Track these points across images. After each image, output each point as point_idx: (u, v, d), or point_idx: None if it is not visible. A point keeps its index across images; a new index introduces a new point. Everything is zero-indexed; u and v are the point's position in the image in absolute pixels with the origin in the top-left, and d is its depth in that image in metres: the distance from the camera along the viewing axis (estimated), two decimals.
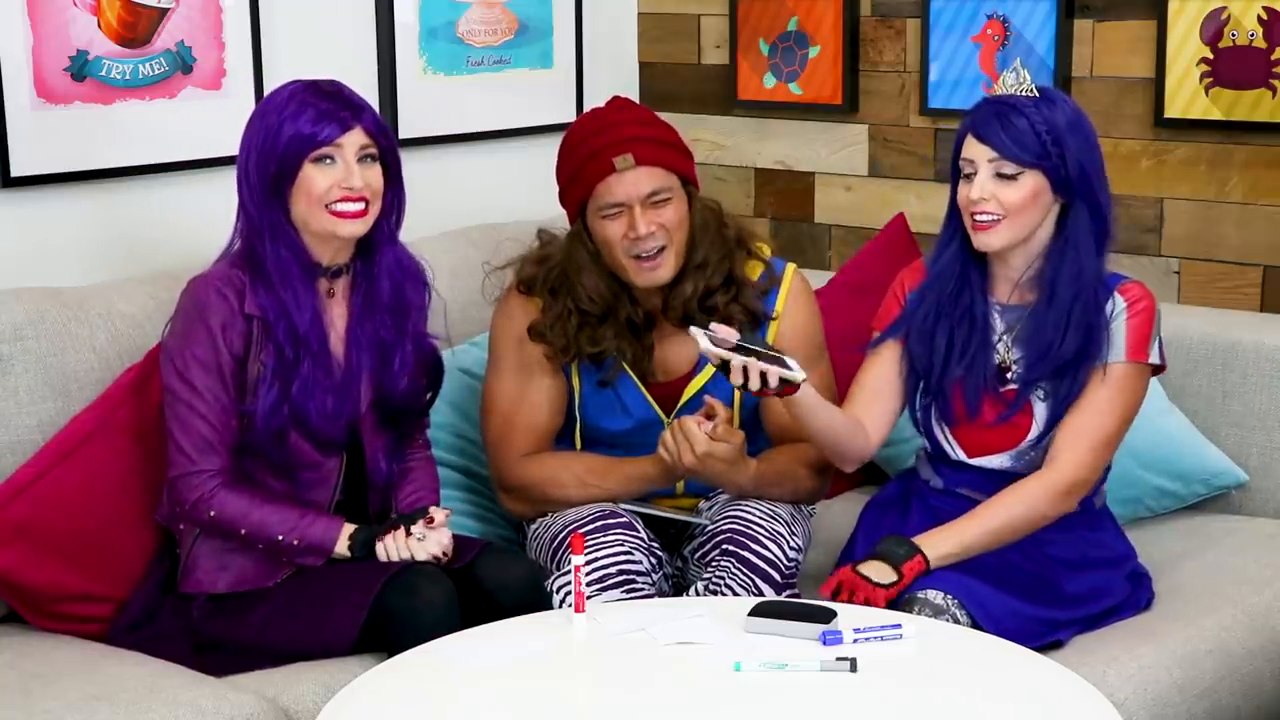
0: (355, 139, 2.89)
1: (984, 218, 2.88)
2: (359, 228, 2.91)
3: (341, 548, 2.90)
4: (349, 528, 2.92)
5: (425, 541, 2.90)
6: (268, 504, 2.89)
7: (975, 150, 2.88)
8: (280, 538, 2.88)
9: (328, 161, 2.87)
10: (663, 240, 3.07)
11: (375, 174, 2.92)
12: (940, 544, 2.87)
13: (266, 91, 3.34)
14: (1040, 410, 2.96)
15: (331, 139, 2.86)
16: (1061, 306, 2.90)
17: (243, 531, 2.88)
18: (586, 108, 4.16)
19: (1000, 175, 2.87)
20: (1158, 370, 3.00)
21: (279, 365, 2.88)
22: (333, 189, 2.87)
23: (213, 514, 2.87)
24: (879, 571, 2.82)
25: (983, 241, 2.91)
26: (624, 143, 3.06)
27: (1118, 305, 2.93)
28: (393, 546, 2.90)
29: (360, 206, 2.89)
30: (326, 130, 2.86)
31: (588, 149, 3.09)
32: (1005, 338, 2.98)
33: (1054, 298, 2.91)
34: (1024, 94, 2.88)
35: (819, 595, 2.84)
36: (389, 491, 3.08)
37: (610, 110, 3.18)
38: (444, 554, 2.91)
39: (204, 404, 2.86)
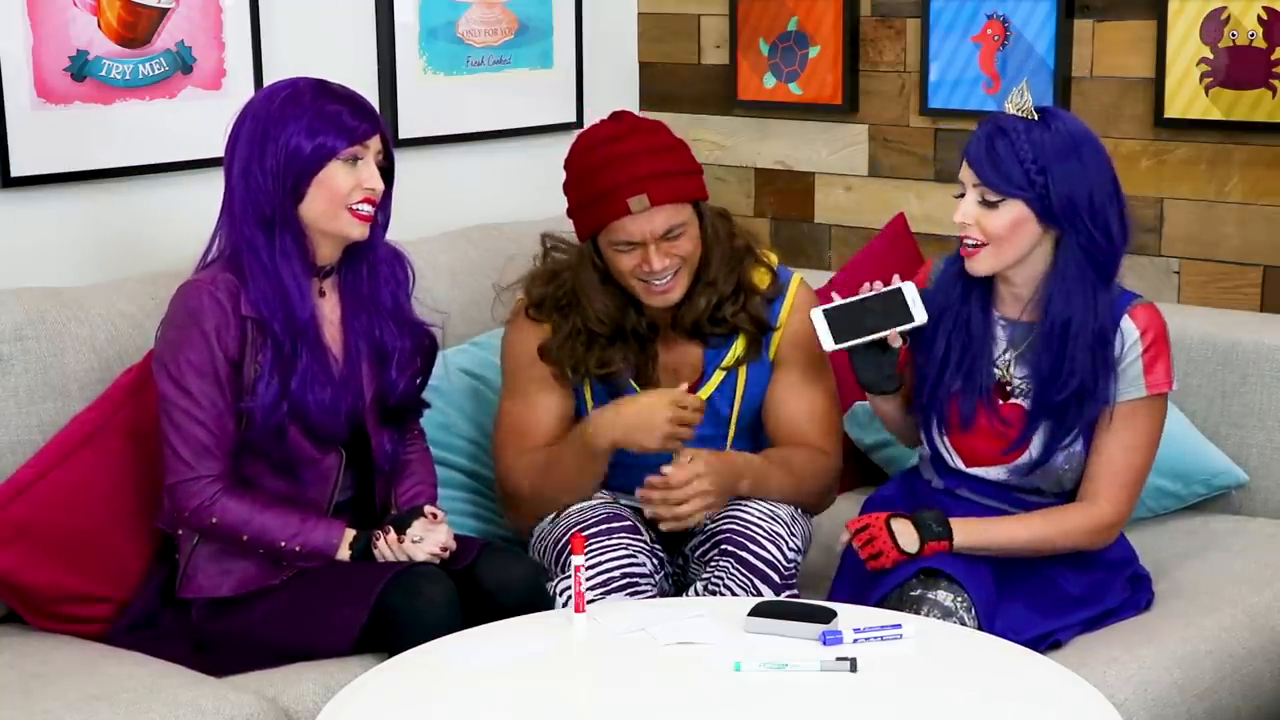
0: (376, 143, 2.91)
1: (968, 243, 2.89)
2: (367, 230, 2.92)
3: (343, 553, 2.91)
4: (349, 534, 2.92)
5: (423, 542, 2.90)
6: (269, 509, 2.89)
7: (965, 173, 2.89)
8: (282, 543, 2.88)
9: (355, 162, 2.88)
10: (676, 267, 3.05)
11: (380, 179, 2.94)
12: (970, 535, 2.89)
13: None
14: (1038, 434, 2.95)
15: (365, 138, 2.88)
16: (1057, 335, 2.88)
17: (245, 537, 2.88)
18: (587, 108, 4.16)
19: (984, 202, 2.86)
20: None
21: (277, 361, 2.87)
22: (355, 190, 2.88)
23: (214, 520, 2.87)
24: (906, 537, 2.84)
25: (970, 266, 2.91)
26: (638, 181, 2.98)
27: (1129, 338, 2.89)
28: (388, 551, 2.90)
29: (372, 210, 2.91)
30: (362, 129, 2.87)
31: (599, 186, 3.00)
32: (1009, 353, 2.97)
33: (1050, 325, 2.89)
34: (1022, 115, 2.84)
35: (844, 529, 2.90)
36: (391, 482, 3.08)
37: (620, 135, 3.05)
38: (444, 551, 2.91)
39: (200, 409, 2.85)
